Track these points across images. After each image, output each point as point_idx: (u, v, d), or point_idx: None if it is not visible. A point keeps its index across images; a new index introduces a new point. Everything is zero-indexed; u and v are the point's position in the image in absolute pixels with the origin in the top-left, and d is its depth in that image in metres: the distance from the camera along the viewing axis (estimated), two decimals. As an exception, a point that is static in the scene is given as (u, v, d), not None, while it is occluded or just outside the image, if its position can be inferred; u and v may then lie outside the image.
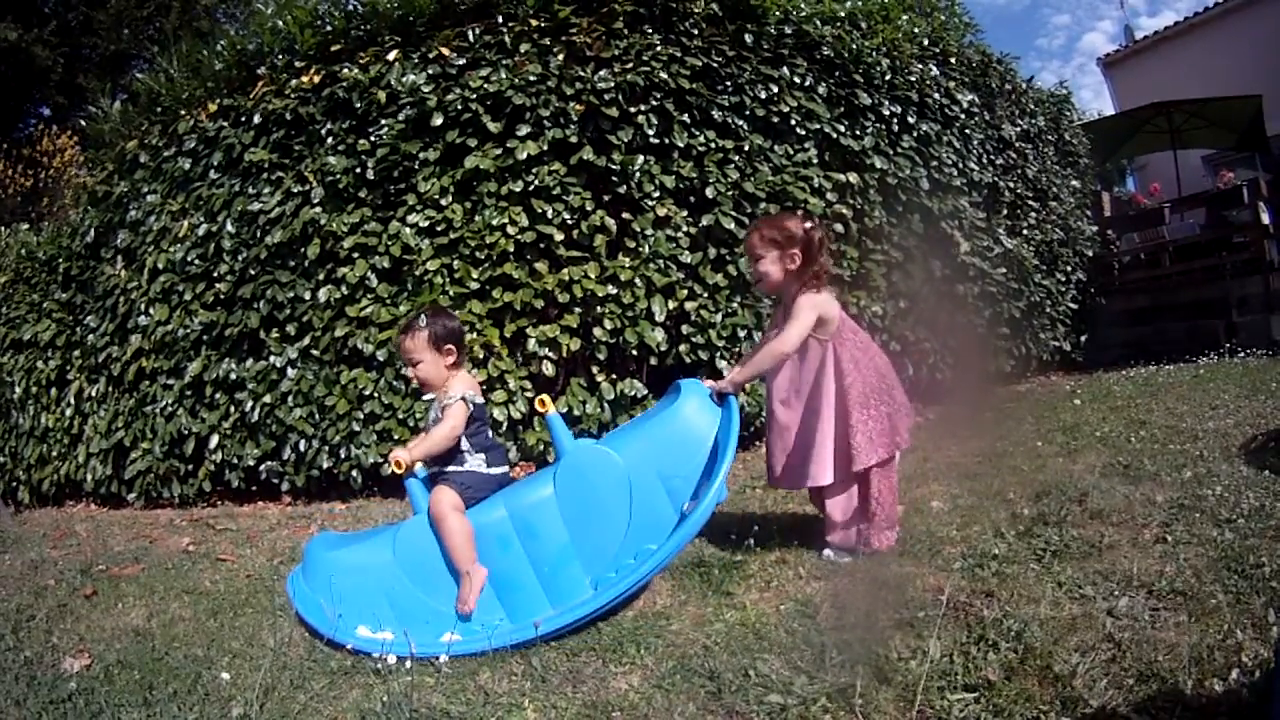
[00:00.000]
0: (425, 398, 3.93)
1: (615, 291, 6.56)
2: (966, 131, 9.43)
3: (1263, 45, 19.70)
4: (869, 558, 3.79)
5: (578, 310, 6.57)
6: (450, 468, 3.64)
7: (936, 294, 8.48)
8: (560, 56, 6.83)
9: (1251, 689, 2.30)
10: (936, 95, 8.95)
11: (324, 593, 3.46)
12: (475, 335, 6.46)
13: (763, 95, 7.29)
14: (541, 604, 3.40)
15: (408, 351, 3.79)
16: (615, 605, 3.30)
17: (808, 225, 3.95)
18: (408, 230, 6.60)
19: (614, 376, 6.69)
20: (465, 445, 3.67)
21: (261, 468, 6.95)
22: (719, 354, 6.74)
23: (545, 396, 3.71)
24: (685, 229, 6.86)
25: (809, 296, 3.87)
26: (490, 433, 3.82)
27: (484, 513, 3.51)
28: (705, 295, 6.83)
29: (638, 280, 6.60)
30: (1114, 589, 3.04)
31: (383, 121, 6.80)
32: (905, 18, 9.10)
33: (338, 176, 6.77)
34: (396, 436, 6.41)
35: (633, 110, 6.77)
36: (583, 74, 6.76)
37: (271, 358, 6.89)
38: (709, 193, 6.87)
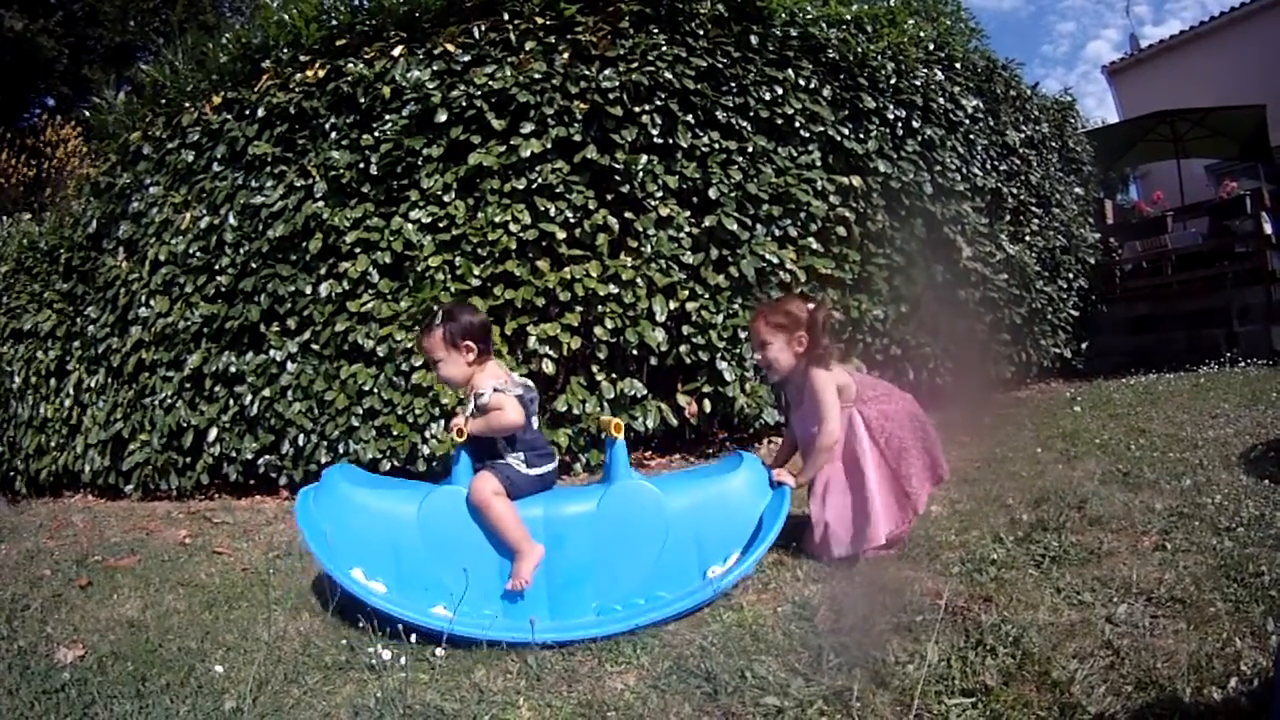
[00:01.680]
0: (459, 397, 3.90)
1: (616, 291, 6.56)
2: (970, 137, 9.43)
3: (1267, 55, 19.73)
4: (868, 561, 3.78)
5: (579, 309, 6.56)
6: (490, 462, 3.62)
7: (938, 299, 8.47)
8: (565, 55, 6.83)
9: (1250, 697, 2.29)
10: (941, 100, 8.95)
11: (331, 522, 3.47)
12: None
13: (767, 97, 7.29)
14: (541, 610, 3.38)
15: (427, 352, 3.76)
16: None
17: (810, 307, 3.98)
18: (410, 226, 6.59)
19: (614, 376, 6.68)
20: (501, 442, 3.65)
21: (260, 461, 6.94)
22: (719, 355, 6.73)
23: (619, 421, 3.68)
24: (687, 229, 6.85)
25: (822, 376, 3.90)
26: (534, 424, 3.76)
27: (522, 508, 3.50)
28: (706, 296, 6.82)
29: (639, 280, 6.59)
30: (1113, 596, 3.04)
31: (387, 117, 6.80)
32: (911, 22, 9.11)
33: (341, 171, 6.77)
34: (395, 433, 6.40)
35: (637, 110, 6.77)
36: (587, 73, 6.76)
37: (271, 351, 6.88)
38: (712, 193, 6.87)
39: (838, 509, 3.87)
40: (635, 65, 6.78)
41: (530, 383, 3.80)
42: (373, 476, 4.09)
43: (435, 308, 3.93)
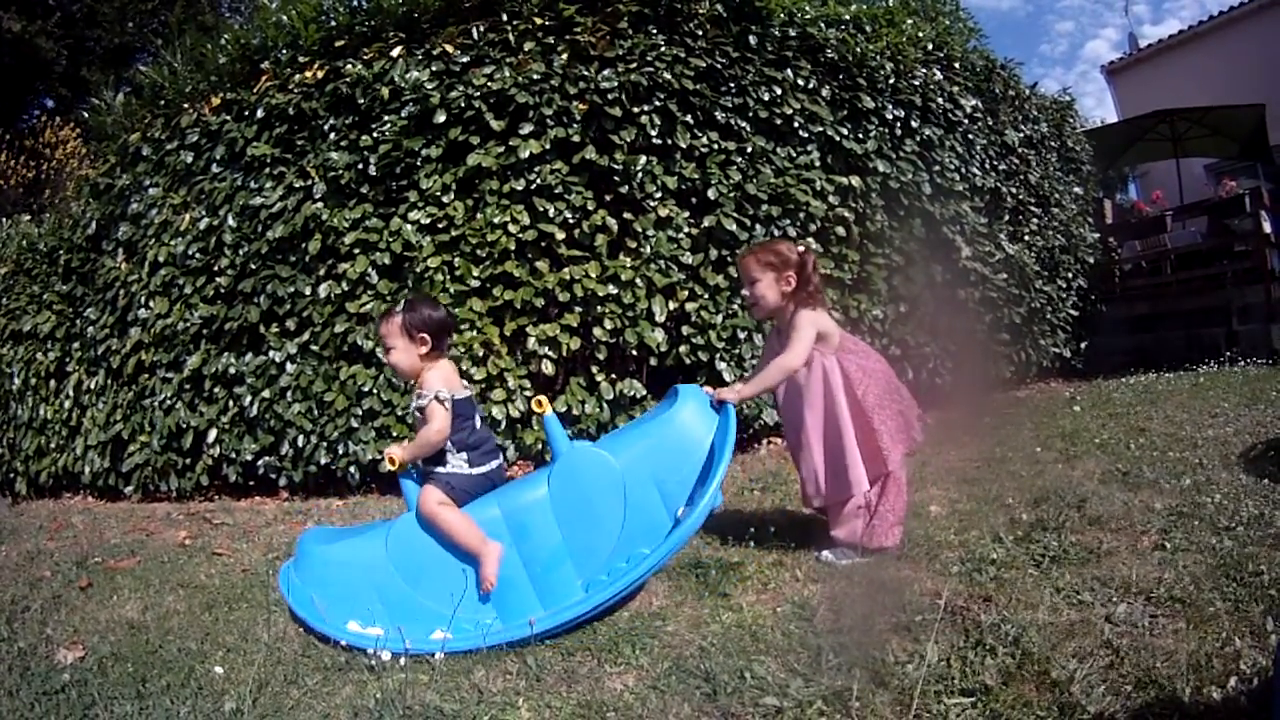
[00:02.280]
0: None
1: (616, 291, 6.56)
2: (969, 136, 9.43)
3: (1266, 55, 19.74)
4: (868, 559, 3.79)
5: (578, 309, 6.57)
6: (435, 468, 3.63)
7: (937, 299, 8.47)
8: (564, 55, 6.83)
9: (1250, 697, 2.29)
10: (940, 100, 8.95)
11: (315, 587, 3.46)
12: (475, 333, 6.46)
13: (766, 97, 7.30)
14: (532, 604, 3.39)
15: (382, 337, 3.79)
16: (608, 607, 3.29)
17: (800, 249, 4.04)
18: (409, 227, 6.60)
19: (613, 376, 6.69)
20: (447, 445, 3.65)
21: (259, 462, 6.94)
22: (719, 355, 6.73)
23: (542, 397, 3.69)
24: (687, 230, 6.85)
25: (807, 314, 3.92)
26: (477, 425, 3.76)
27: (477, 511, 3.50)
28: (706, 296, 6.82)
29: (638, 280, 6.59)
30: (1112, 595, 3.04)
31: (385, 118, 6.80)
32: (910, 22, 9.12)
33: (340, 172, 6.77)
34: (395, 433, 6.40)
35: (636, 110, 6.77)
36: (586, 73, 6.76)
37: (271, 353, 6.88)
38: (711, 194, 6.87)
39: (818, 459, 3.91)
40: (634, 66, 6.78)
41: (469, 388, 3.86)
42: (342, 530, 4.10)
43: (402, 298, 3.95)
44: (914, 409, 4.02)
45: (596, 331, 6.56)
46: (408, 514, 3.55)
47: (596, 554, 3.47)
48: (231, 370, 7.00)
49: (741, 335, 6.81)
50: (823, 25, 7.86)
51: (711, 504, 3.44)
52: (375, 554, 3.48)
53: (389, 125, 6.74)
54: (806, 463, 3.95)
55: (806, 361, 3.89)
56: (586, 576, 3.45)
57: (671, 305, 6.70)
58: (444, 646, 3.12)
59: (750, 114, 7.25)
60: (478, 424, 3.78)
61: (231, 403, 7.04)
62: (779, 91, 7.35)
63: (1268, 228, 11.61)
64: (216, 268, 7.19)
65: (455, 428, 3.63)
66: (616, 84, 6.71)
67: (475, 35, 6.94)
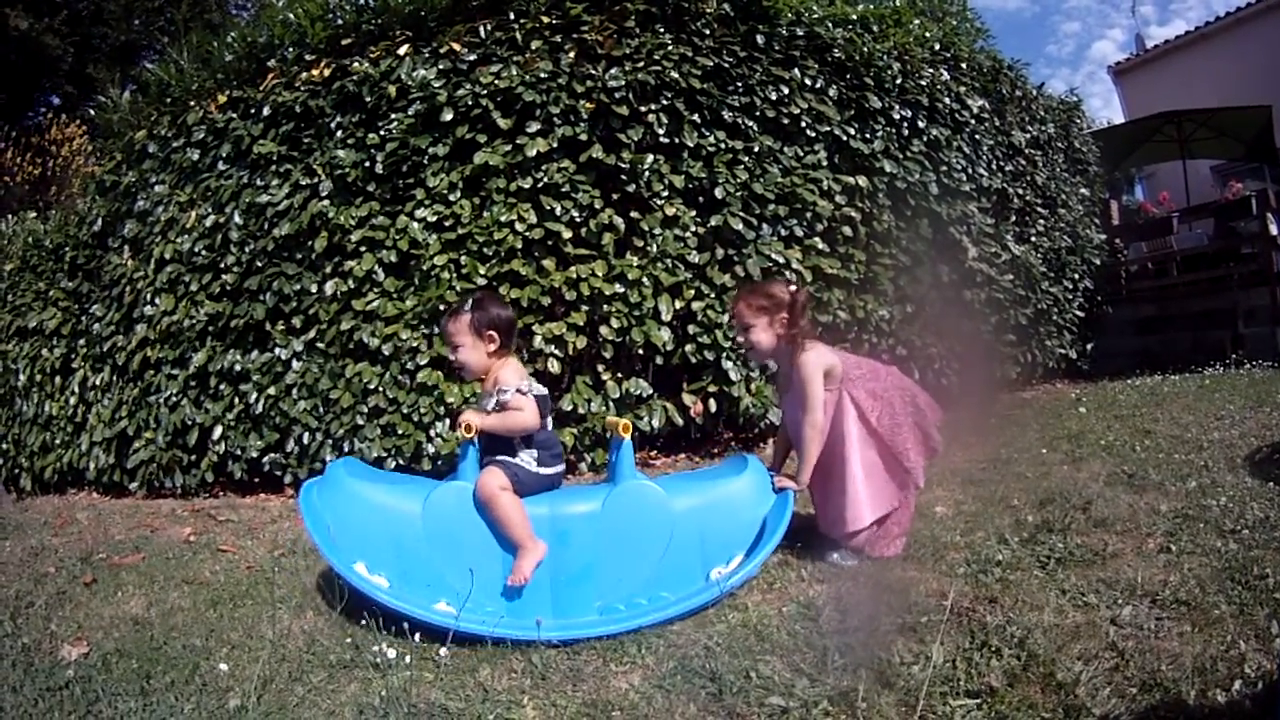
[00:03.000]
0: (479, 387, 3.92)
1: (622, 290, 6.56)
2: (976, 137, 9.41)
3: (1273, 56, 19.71)
4: (873, 562, 3.79)
5: (584, 308, 6.56)
6: (501, 458, 3.62)
7: (944, 299, 8.46)
8: (571, 54, 6.83)
9: (1254, 700, 2.29)
10: (947, 100, 8.94)
11: (335, 517, 3.48)
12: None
13: (773, 96, 7.29)
14: (545, 609, 3.39)
15: (449, 335, 3.79)
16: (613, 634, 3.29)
17: (791, 288, 4.08)
18: (416, 225, 6.60)
19: (619, 375, 6.69)
20: (518, 439, 3.66)
21: (265, 460, 6.94)
22: (725, 354, 6.72)
23: (627, 422, 3.70)
24: (693, 229, 6.85)
25: (809, 360, 3.95)
26: (549, 425, 3.79)
27: (527, 506, 3.50)
28: (712, 295, 6.82)
29: (645, 279, 6.59)
30: (1118, 597, 3.04)
31: (392, 116, 6.80)
32: (917, 22, 9.11)
33: (346, 170, 6.77)
34: (400, 431, 6.40)
35: (643, 109, 6.77)
36: (593, 72, 6.76)
37: (277, 350, 6.88)
38: (718, 193, 6.86)
39: (821, 493, 3.97)
40: (641, 64, 6.78)
41: (544, 388, 3.82)
42: (377, 471, 4.10)
43: (469, 295, 3.94)
44: (933, 415, 4.02)
45: (603, 330, 6.55)
46: (455, 483, 3.55)
47: (623, 583, 3.49)
48: (237, 367, 7.00)
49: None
50: (830, 25, 7.84)
51: (748, 575, 3.53)
52: (409, 510, 3.48)
53: (396, 123, 6.74)
54: (821, 495, 4.01)
55: None
56: (605, 600, 3.46)
57: (678, 304, 6.69)
58: (449, 623, 3.11)
59: (757, 113, 7.25)
60: (549, 424, 3.79)
61: (237, 400, 7.04)
62: (786, 91, 7.35)
63: (1274, 230, 11.57)
64: (222, 265, 7.19)
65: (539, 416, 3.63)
66: (624, 83, 6.71)
67: (482, 33, 6.94)
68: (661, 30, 7.02)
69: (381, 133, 6.79)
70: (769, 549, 3.57)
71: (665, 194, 6.80)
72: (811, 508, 4.33)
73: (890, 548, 3.86)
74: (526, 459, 3.63)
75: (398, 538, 3.42)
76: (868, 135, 7.92)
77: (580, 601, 3.44)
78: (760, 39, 7.33)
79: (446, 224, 6.61)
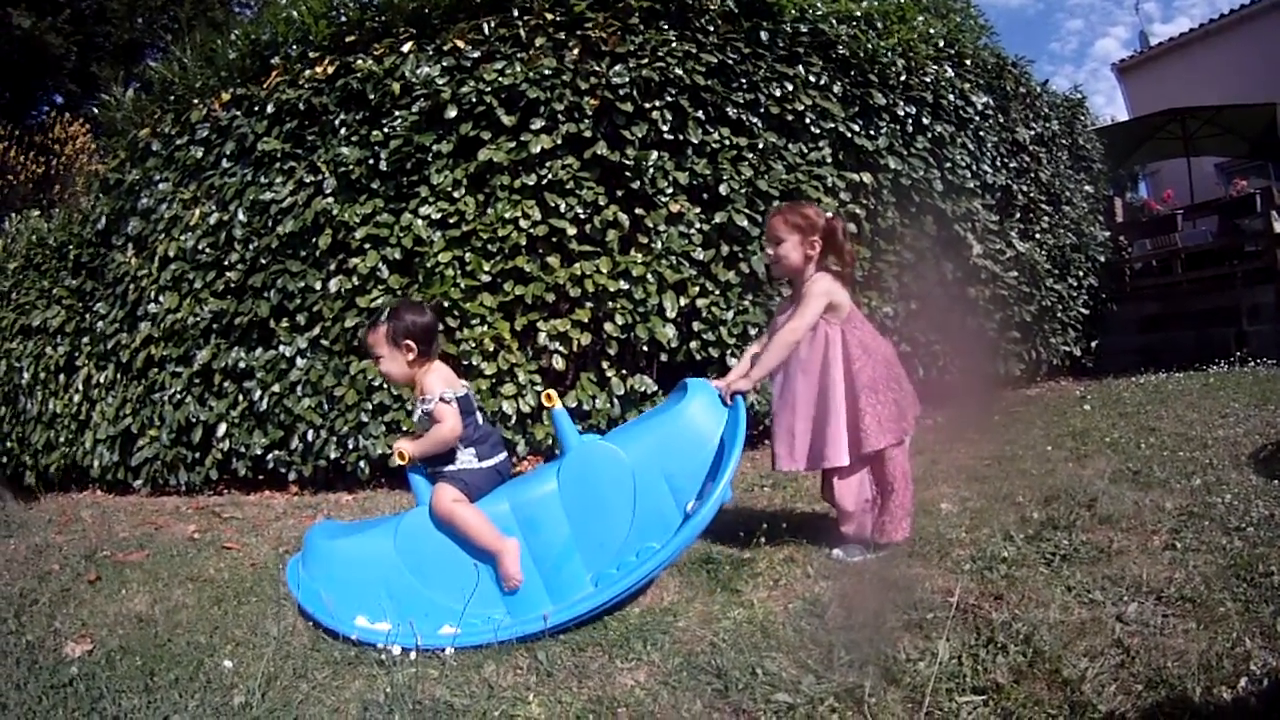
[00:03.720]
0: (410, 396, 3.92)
1: (627, 287, 6.56)
2: (980, 134, 9.41)
3: (1277, 53, 19.66)
4: (878, 555, 3.79)
5: (589, 305, 6.57)
6: (445, 467, 3.62)
7: (948, 296, 8.46)
8: (575, 51, 6.83)
9: (1260, 697, 2.28)
10: (951, 97, 8.93)
11: (323, 582, 3.46)
12: (486, 328, 6.47)
13: (777, 93, 7.28)
14: (541, 598, 3.39)
15: (369, 346, 3.81)
16: (618, 602, 3.29)
17: (829, 215, 4.02)
18: (420, 222, 6.60)
19: (624, 372, 6.69)
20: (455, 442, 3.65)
21: (269, 457, 6.95)
22: (730, 351, 6.73)
23: (551, 391, 3.69)
24: (698, 225, 6.85)
25: (822, 281, 3.92)
26: (479, 420, 3.77)
27: (487, 506, 3.50)
28: (717, 292, 6.82)
29: (649, 276, 6.59)
30: (1123, 594, 3.03)
31: (396, 113, 6.81)
32: (921, 19, 9.10)
33: (350, 167, 6.77)
34: (405, 428, 6.41)
35: (647, 106, 6.77)
36: (597, 69, 6.76)
37: (281, 347, 6.89)
38: (722, 190, 6.87)
39: (801, 424, 3.91)
40: (645, 61, 6.77)
41: (467, 385, 3.83)
42: (351, 525, 4.09)
43: (386, 305, 3.95)
44: (913, 402, 4.00)
45: (607, 327, 6.56)
46: (416, 509, 3.55)
47: (606, 548, 3.47)
48: (241, 365, 7.01)
49: (753, 331, 6.79)
50: (834, 21, 7.84)
51: (722, 499, 3.41)
52: (383, 549, 3.47)
53: (400, 120, 6.75)
54: (785, 424, 3.94)
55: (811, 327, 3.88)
56: (596, 570, 3.45)
57: (683, 301, 6.70)
58: (454, 641, 3.12)
59: (762, 110, 7.25)
60: (479, 419, 3.78)
61: (241, 397, 7.05)
62: (790, 88, 7.35)
63: (1278, 227, 11.56)
64: (227, 262, 7.20)
65: (462, 424, 3.62)
66: (628, 79, 6.71)
67: (486, 30, 6.94)
68: (665, 27, 7.02)
69: (385, 130, 6.80)
70: (734, 462, 3.48)
71: (670, 191, 6.80)
72: (816, 506, 4.33)
73: (898, 531, 3.86)
74: (467, 458, 3.63)
75: (385, 580, 3.42)
76: (872, 132, 7.92)
77: (572, 580, 3.43)
78: (764, 35, 7.32)
79: (451, 221, 6.62)
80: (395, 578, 3.42)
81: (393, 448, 3.64)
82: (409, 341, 3.69)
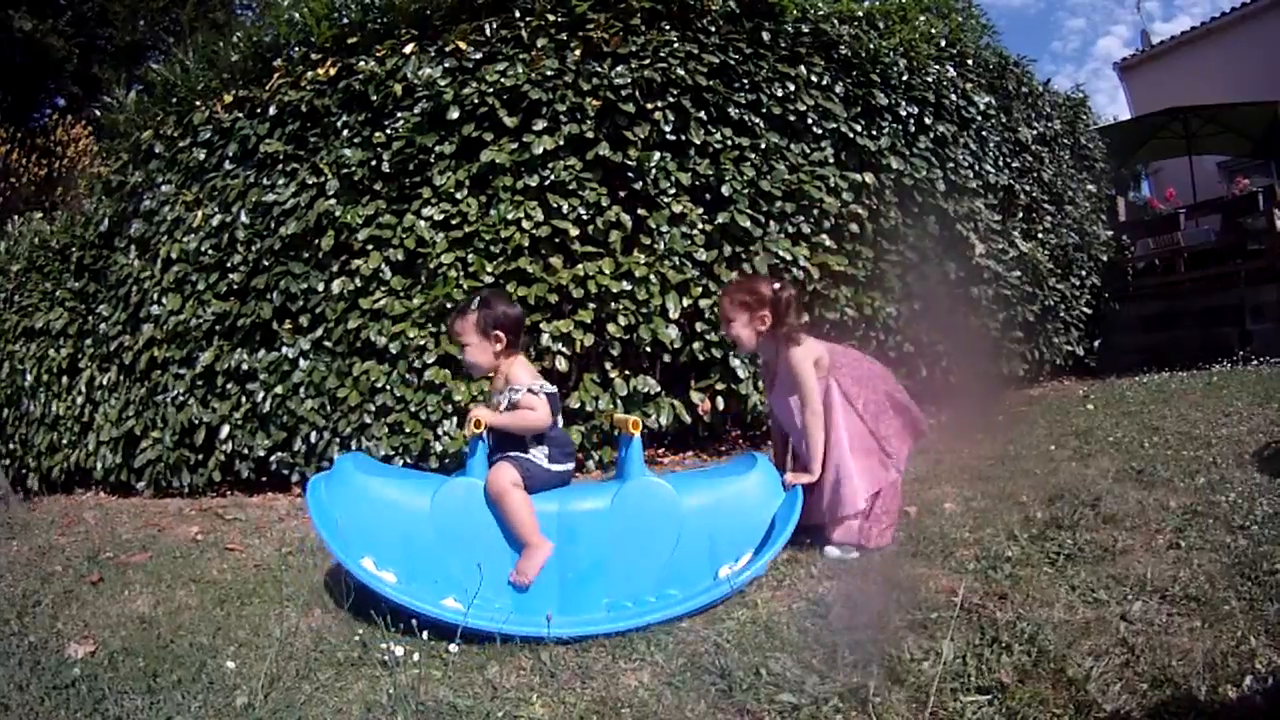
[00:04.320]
0: (487, 385, 3.93)
1: (629, 288, 6.56)
2: (983, 133, 9.41)
3: (1279, 51, 19.63)
4: (871, 554, 3.81)
5: (592, 306, 6.56)
6: (513, 453, 3.62)
7: (951, 296, 8.46)
8: (577, 52, 6.83)
9: (1265, 695, 2.29)
10: (953, 96, 8.94)
11: (343, 511, 3.47)
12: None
13: (779, 93, 7.28)
14: (552, 605, 3.38)
15: (456, 334, 3.83)
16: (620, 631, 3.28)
17: (776, 286, 4.12)
18: (422, 223, 6.60)
19: (627, 373, 6.69)
20: (530, 436, 3.66)
21: (272, 458, 6.95)
22: (732, 352, 6.73)
23: (636, 419, 3.69)
24: (700, 226, 6.85)
25: (797, 353, 4.03)
26: (559, 423, 3.80)
27: (536, 503, 3.50)
28: (720, 293, 6.80)
29: (652, 277, 6.59)
30: (1128, 593, 3.03)
31: (399, 114, 6.81)
32: (923, 18, 9.10)
33: (353, 169, 6.77)
34: (408, 430, 6.40)
35: (649, 106, 6.77)
36: (599, 69, 6.76)
37: (284, 349, 6.89)
38: (725, 190, 6.86)
39: (820, 480, 3.97)
40: (647, 62, 6.78)
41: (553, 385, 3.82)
42: (386, 467, 4.11)
43: (477, 294, 3.96)
44: (912, 401, 4.10)
45: (610, 328, 6.55)
46: (462, 478, 3.55)
47: (632, 581, 3.49)
48: (244, 366, 7.01)
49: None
50: (835, 22, 7.84)
51: (756, 573, 3.54)
52: (418, 504, 3.48)
53: (402, 122, 6.75)
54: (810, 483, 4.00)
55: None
56: (613, 597, 3.46)
57: (685, 302, 6.70)
58: (457, 619, 3.11)
59: (764, 110, 7.25)
60: (559, 422, 3.79)
61: (244, 399, 7.04)
62: (792, 88, 7.35)
63: (1281, 226, 11.56)
64: (229, 264, 7.20)
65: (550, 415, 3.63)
66: (630, 80, 6.71)
67: (488, 32, 6.95)
68: (667, 27, 7.02)
69: (388, 131, 6.80)
70: (778, 546, 3.58)
71: (672, 191, 6.80)
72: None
73: (883, 536, 3.91)
74: (538, 455, 3.64)
75: (406, 533, 3.42)
76: (874, 132, 7.92)
77: (588, 599, 3.43)
78: (766, 36, 7.32)
79: (453, 222, 6.62)
80: (419, 535, 3.43)
81: (469, 413, 3.63)
82: (499, 332, 3.73)
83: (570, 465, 3.80)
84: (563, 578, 3.45)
